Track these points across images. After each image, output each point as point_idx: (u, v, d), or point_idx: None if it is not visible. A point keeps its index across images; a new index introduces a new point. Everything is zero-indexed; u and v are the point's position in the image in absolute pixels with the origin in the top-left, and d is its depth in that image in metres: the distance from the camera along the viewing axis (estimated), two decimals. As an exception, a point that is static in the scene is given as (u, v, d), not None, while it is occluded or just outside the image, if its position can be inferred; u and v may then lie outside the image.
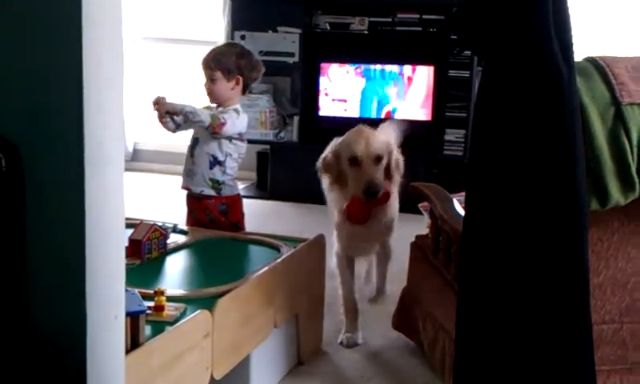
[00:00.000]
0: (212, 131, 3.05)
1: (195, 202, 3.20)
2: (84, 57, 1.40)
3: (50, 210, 1.48)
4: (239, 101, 3.21)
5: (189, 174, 3.18)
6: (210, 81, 3.13)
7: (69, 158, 1.45)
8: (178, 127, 3.12)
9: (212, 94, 3.16)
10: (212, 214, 3.16)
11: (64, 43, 1.41)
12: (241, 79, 3.14)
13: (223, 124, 3.02)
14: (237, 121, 3.09)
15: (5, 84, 1.48)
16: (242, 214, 3.25)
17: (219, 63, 3.12)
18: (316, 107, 5.54)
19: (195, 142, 3.15)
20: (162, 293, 2.07)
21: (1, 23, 1.46)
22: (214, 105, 3.18)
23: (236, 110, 3.12)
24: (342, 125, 5.51)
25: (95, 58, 1.43)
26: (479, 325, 1.91)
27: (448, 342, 2.50)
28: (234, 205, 3.19)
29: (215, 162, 3.13)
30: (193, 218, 3.22)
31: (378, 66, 5.41)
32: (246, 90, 3.22)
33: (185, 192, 3.24)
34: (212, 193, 3.14)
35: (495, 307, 1.87)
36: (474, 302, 1.91)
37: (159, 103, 3.03)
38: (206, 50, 3.26)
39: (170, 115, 3.06)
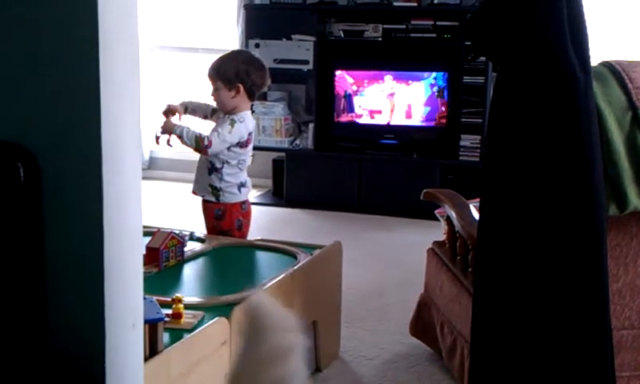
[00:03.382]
0: (200, 153, 3.13)
1: (203, 203, 3.25)
2: (101, 66, 1.41)
3: (68, 219, 1.49)
4: (246, 107, 3.20)
5: (195, 179, 3.27)
6: (214, 90, 3.16)
7: (86, 168, 1.46)
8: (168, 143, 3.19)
9: (217, 103, 3.19)
10: (208, 217, 3.21)
11: (81, 53, 1.42)
12: (241, 87, 3.13)
13: (207, 146, 3.06)
14: (228, 135, 3.08)
15: (23, 95, 1.49)
16: (238, 225, 3.20)
17: (218, 73, 3.13)
18: (331, 114, 5.54)
19: None
20: (179, 300, 2.08)
21: (17, 35, 1.47)
22: (222, 114, 3.20)
23: (232, 121, 3.10)
24: (357, 132, 5.58)
25: (112, 67, 1.44)
26: (495, 332, 1.90)
27: (466, 349, 2.49)
28: (228, 212, 3.18)
29: (213, 169, 3.16)
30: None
31: (392, 73, 5.40)
32: (252, 96, 3.20)
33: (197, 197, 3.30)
34: (212, 198, 3.18)
35: (512, 313, 1.86)
36: (490, 309, 1.90)
37: (166, 120, 3.13)
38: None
39: (168, 133, 3.14)
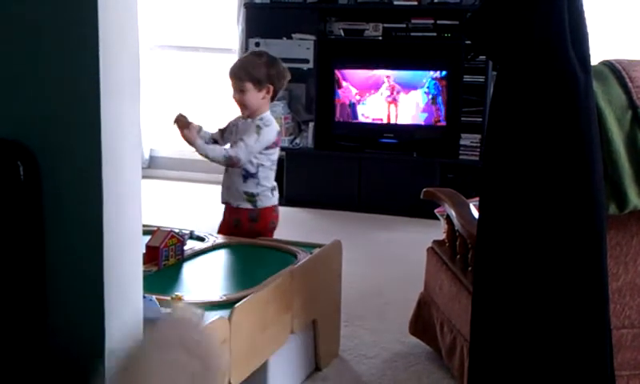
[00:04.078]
0: (231, 167, 3.10)
1: (232, 209, 3.19)
2: (101, 66, 1.42)
3: (68, 217, 1.49)
4: (267, 109, 3.18)
5: (227, 189, 3.19)
6: (240, 92, 3.12)
7: (86, 166, 1.46)
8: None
9: (242, 105, 3.14)
10: (239, 218, 3.14)
11: (81, 53, 1.43)
12: (271, 88, 3.13)
13: (236, 162, 3.05)
14: (256, 144, 3.06)
15: (23, 93, 1.49)
16: (272, 227, 3.19)
17: (249, 74, 3.10)
18: (331, 114, 5.55)
19: None
20: (179, 299, 2.08)
21: (19, 34, 1.47)
22: (247, 117, 3.16)
23: (258, 128, 3.08)
24: (357, 131, 5.58)
25: (112, 67, 1.44)
26: (495, 331, 1.90)
27: (466, 348, 2.49)
28: (262, 215, 3.15)
29: (248, 175, 3.11)
30: (223, 221, 3.23)
31: (392, 73, 5.40)
32: (274, 97, 3.22)
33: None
34: (248, 206, 3.13)
35: (511, 312, 1.86)
36: (490, 308, 1.90)
37: (181, 127, 3.07)
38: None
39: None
